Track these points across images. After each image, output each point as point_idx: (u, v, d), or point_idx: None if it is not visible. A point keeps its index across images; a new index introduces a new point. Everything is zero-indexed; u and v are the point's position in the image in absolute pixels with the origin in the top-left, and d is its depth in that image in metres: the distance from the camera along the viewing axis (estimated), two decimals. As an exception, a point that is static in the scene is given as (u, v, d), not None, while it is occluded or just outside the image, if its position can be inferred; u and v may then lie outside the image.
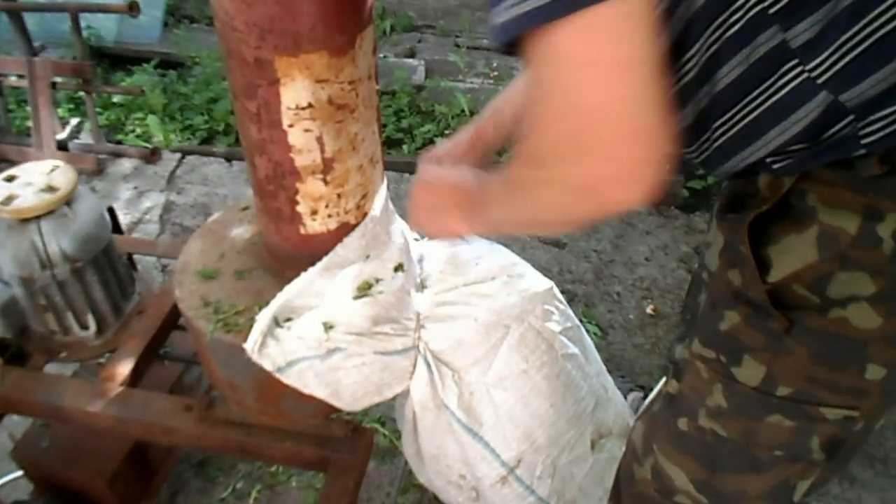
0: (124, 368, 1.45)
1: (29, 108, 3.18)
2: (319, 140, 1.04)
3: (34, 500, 1.61)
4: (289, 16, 0.90)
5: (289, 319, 1.14)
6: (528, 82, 0.69)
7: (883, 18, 0.65)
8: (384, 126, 3.33)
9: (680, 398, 0.98)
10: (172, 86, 3.73)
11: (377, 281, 1.18)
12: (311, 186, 1.09)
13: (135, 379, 1.46)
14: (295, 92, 0.98)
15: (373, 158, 1.15)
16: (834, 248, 0.75)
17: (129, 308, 1.62)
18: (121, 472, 1.59)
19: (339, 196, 1.13)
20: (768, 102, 0.73)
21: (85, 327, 1.53)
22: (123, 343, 1.53)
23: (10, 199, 1.37)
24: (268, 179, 1.10)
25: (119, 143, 3.40)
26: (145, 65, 3.87)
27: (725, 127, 0.78)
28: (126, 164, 3.26)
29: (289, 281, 1.17)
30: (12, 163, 3.02)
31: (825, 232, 0.75)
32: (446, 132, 3.41)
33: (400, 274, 1.21)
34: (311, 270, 1.17)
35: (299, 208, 1.12)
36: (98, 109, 3.46)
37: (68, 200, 1.42)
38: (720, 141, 0.79)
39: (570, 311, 1.39)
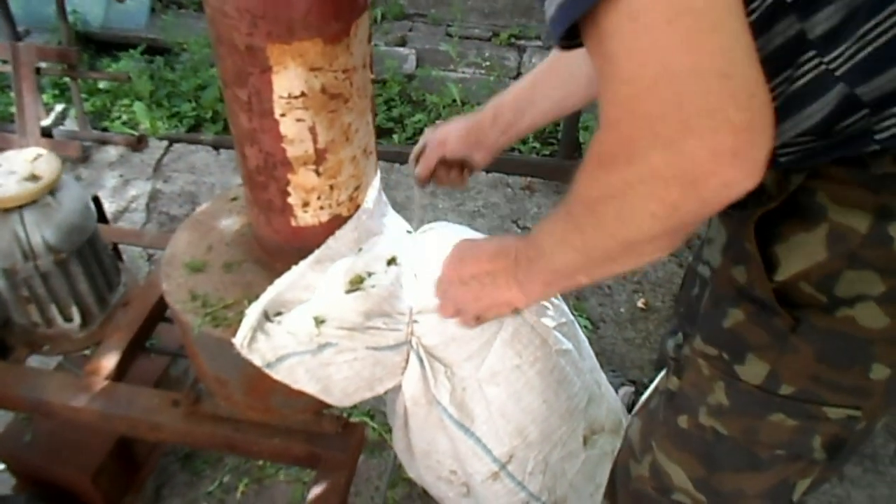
0: (109, 362, 1.42)
1: (12, 94, 3.12)
2: (312, 130, 1.01)
3: (16, 496, 1.59)
4: (282, 1, 0.87)
5: (279, 314, 1.12)
6: (598, 69, 0.60)
7: None
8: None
9: (680, 395, 0.97)
10: (159, 72, 3.68)
11: (369, 275, 1.15)
12: (303, 177, 1.07)
13: (120, 372, 1.44)
14: (287, 80, 0.95)
15: (366, 149, 1.13)
16: (843, 247, 0.74)
17: (115, 300, 1.59)
18: (105, 466, 1.57)
19: (331, 188, 1.10)
20: (784, 94, 0.71)
21: (69, 319, 1.50)
22: (108, 336, 1.50)
23: (-9, 188, 1.33)
24: (258, 170, 1.07)
25: (105, 130, 3.35)
26: (132, 51, 3.82)
27: None
28: (112, 152, 3.21)
29: (279, 274, 1.14)
30: (-5, 149, 2.98)
31: (835, 230, 0.74)
32: (437, 121, 3.38)
33: (393, 268, 1.18)
34: (303, 263, 1.14)
35: (290, 200, 1.09)
36: (83, 96, 3.41)
37: (52, 190, 1.39)
38: None
39: (564, 307, 1.38)
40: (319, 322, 1.10)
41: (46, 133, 3.15)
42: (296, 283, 1.14)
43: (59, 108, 3.40)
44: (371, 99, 1.10)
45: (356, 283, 1.13)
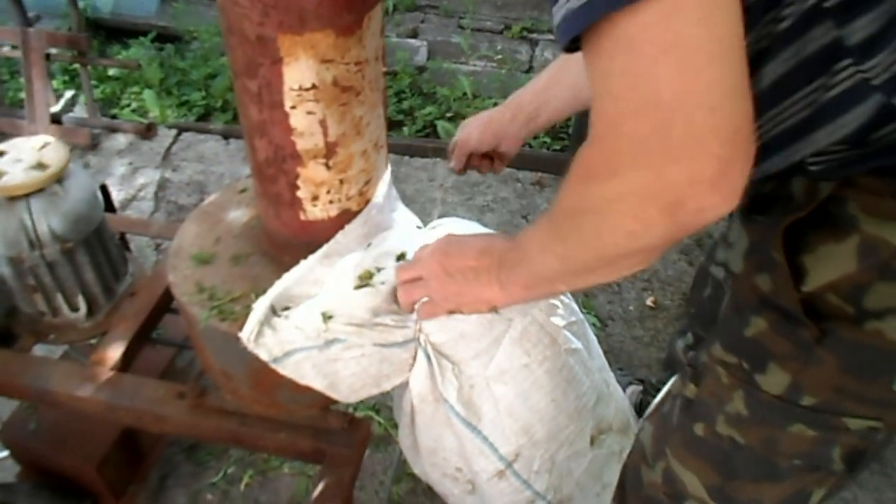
0: (115, 352, 1.41)
1: (22, 80, 3.12)
2: (323, 123, 1.00)
3: (20, 484, 1.58)
4: (294, -9, 0.86)
5: (286, 308, 1.11)
6: (592, 83, 0.61)
7: None
8: (384, 107, 3.29)
9: (697, 403, 0.96)
10: (169, 60, 3.68)
11: (379, 270, 1.14)
12: (313, 171, 1.05)
13: (125, 363, 1.42)
14: (298, 72, 0.93)
15: (377, 143, 1.11)
16: (874, 259, 0.72)
17: (121, 290, 1.58)
18: (110, 456, 1.57)
19: (341, 182, 1.09)
20: (817, 103, 0.69)
21: (75, 309, 1.49)
22: (114, 326, 1.49)
23: (-2, 176, 1.32)
24: (267, 162, 1.06)
25: (114, 117, 3.35)
26: (142, 38, 3.81)
27: (768, 126, 0.74)
28: (121, 139, 3.21)
29: (287, 268, 1.13)
30: (4, 135, 2.98)
31: (866, 242, 0.72)
32: (447, 115, 3.37)
33: (402, 263, 1.17)
34: (311, 258, 1.13)
35: (300, 193, 1.08)
36: (93, 82, 3.41)
37: (59, 178, 1.38)
38: (761, 140, 0.75)
39: (574, 306, 1.36)
40: (327, 317, 1.09)
41: (56, 119, 3.14)
42: (304, 277, 1.12)
43: (68, 94, 3.40)
44: (383, 92, 1.08)
45: (365, 279, 1.12)
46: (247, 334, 1.08)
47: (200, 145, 3.19)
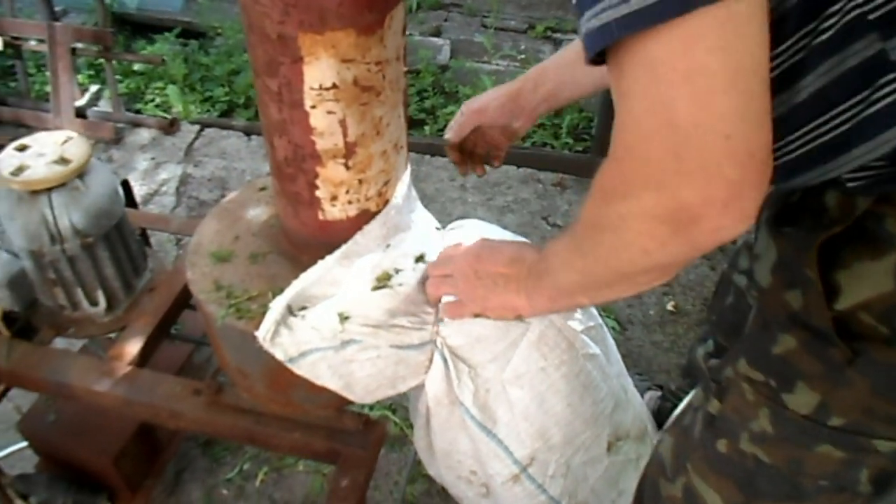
0: (133, 347, 1.42)
1: (48, 74, 3.15)
2: (342, 123, 0.99)
3: (38, 475, 1.60)
4: (315, -10, 0.85)
5: (303, 308, 1.10)
6: (615, 97, 0.62)
7: None
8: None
9: (721, 419, 0.94)
10: (193, 56, 3.69)
11: (397, 272, 1.13)
12: (332, 171, 1.05)
13: (143, 358, 1.43)
14: (319, 71, 0.92)
15: (397, 144, 1.11)
16: None
17: (141, 285, 1.59)
18: (127, 450, 1.58)
19: (360, 182, 1.08)
20: (858, 117, 0.66)
21: (94, 303, 1.50)
22: (133, 321, 1.50)
23: (20, 170, 1.33)
24: (287, 161, 1.05)
25: (138, 112, 3.37)
26: (167, 34, 3.83)
27: (804, 139, 0.72)
28: (144, 134, 3.23)
29: (305, 267, 1.13)
30: (29, 128, 3.01)
31: None
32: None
33: (421, 265, 1.16)
34: (329, 258, 1.13)
35: (318, 193, 1.08)
36: (118, 77, 3.43)
37: (81, 173, 1.38)
38: (796, 153, 0.73)
39: (593, 310, 1.35)
40: (344, 318, 1.08)
41: (80, 114, 3.17)
42: (322, 277, 1.12)
43: (93, 88, 3.43)
44: (404, 92, 1.07)
45: (383, 280, 1.11)
46: (263, 333, 1.07)
47: (223, 141, 3.21)
